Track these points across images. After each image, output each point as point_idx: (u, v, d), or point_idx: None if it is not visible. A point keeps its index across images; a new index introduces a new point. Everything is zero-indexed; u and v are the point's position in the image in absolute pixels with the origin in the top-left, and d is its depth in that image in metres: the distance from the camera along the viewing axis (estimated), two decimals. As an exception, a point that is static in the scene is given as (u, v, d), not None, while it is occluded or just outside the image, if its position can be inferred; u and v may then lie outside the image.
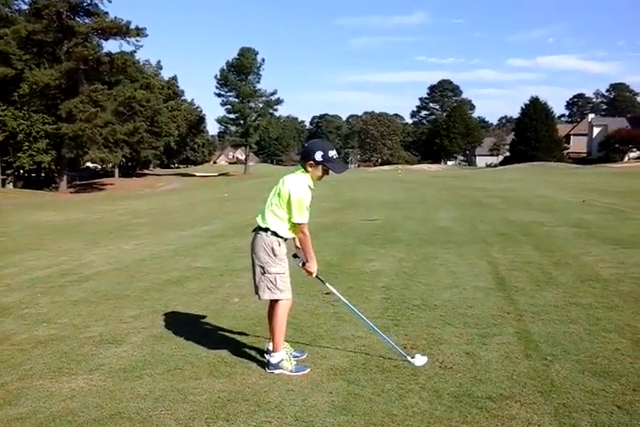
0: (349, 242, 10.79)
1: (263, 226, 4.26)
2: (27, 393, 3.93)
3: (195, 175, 71.89)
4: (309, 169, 4.23)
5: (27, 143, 44.77)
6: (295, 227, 4.23)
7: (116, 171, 66.08)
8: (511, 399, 3.65)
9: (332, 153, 4.23)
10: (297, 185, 4.19)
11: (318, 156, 4.17)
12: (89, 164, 70.80)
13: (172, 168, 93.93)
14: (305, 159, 4.23)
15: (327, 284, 4.60)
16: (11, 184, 48.95)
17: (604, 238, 10.46)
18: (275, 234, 4.23)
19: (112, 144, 50.55)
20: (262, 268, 4.28)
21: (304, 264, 4.40)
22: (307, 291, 6.63)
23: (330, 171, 4.28)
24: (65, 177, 49.60)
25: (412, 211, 16.94)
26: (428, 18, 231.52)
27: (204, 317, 5.76)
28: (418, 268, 8.08)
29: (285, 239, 4.31)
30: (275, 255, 4.25)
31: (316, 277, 4.48)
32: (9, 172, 49.22)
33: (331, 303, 6.12)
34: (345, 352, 4.60)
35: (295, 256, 4.45)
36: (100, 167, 72.77)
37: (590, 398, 3.65)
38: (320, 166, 4.22)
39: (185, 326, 5.48)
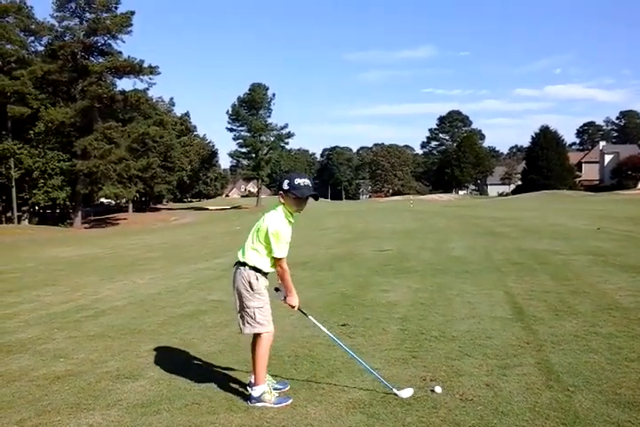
0: (363, 273, 10.75)
1: (242, 260, 4.33)
2: (45, 430, 3.91)
3: (207, 209, 72.38)
4: (282, 201, 4.30)
5: (42, 180, 45.45)
6: (274, 261, 4.28)
7: (130, 206, 66.69)
8: (535, 432, 3.57)
9: (300, 181, 4.27)
10: (275, 220, 4.25)
11: (285, 184, 4.27)
12: (103, 199, 71.62)
13: (184, 202, 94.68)
14: (279, 193, 4.33)
15: (311, 317, 4.66)
16: (26, 220, 49.44)
17: (622, 266, 10.34)
18: (253, 269, 4.28)
19: (126, 180, 51.22)
20: (241, 302, 4.33)
21: (285, 298, 4.42)
22: (322, 323, 6.59)
23: (301, 200, 4.25)
24: (79, 213, 50.11)
25: (425, 241, 16.89)
26: (434, 51, 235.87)
27: (221, 350, 5.73)
28: (434, 298, 8.01)
29: (265, 274, 4.34)
30: (252, 289, 4.28)
31: (299, 309, 4.51)
32: (24, 208, 49.79)
33: (347, 335, 6.08)
34: (364, 385, 4.55)
35: (277, 290, 4.47)
36: (113, 202, 73.52)
37: (616, 429, 3.57)
38: (289, 195, 4.26)
39: (201, 360, 5.46)
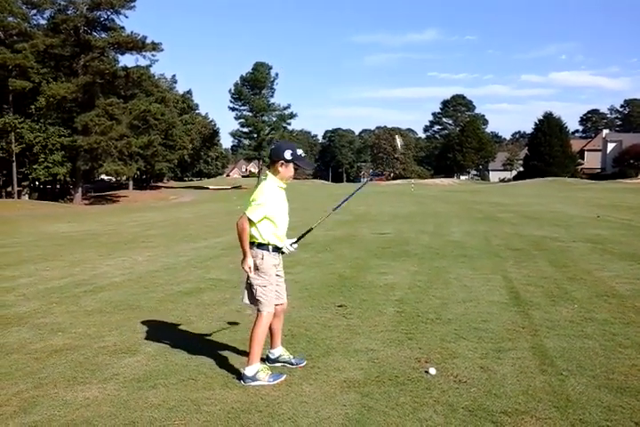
0: (362, 255, 10.78)
1: (251, 240, 4.35)
2: (42, 402, 3.95)
3: (208, 188, 72.27)
4: (280, 169, 4.32)
5: (42, 155, 45.26)
6: (242, 218, 4.25)
7: (131, 183, 66.58)
8: (526, 414, 3.61)
9: (300, 151, 4.36)
10: (262, 187, 4.30)
11: (287, 154, 4.28)
12: (103, 176, 71.43)
13: (185, 181, 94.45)
14: (274, 160, 4.33)
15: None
16: (26, 196, 49.40)
17: (620, 254, 10.37)
18: (259, 246, 4.30)
19: (127, 157, 51.05)
20: (248, 278, 4.38)
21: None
22: (319, 303, 6.64)
23: (297, 170, 4.41)
24: (80, 189, 50.04)
25: (425, 225, 16.91)
26: (440, 35, 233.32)
27: (218, 328, 5.77)
28: (431, 281, 8.05)
29: (276, 249, 4.35)
30: (257, 268, 4.31)
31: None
32: (25, 183, 49.68)
33: (343, 316, 6.12)
34: (359, 365, 4.59)
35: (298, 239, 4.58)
36: (114, 179, 73.37)
37: (607, 414, 3.61)
38: (291, 164, 4.32)
39: (199, 337, 5.49)
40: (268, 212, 4.25)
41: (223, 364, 4.66)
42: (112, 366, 4.67)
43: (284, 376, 4.32)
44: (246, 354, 4.76)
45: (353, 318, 6.02)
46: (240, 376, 4.31)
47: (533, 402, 3.80)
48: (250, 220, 4.23)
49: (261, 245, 4.30)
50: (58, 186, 55.92)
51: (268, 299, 4.33)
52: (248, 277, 4.36)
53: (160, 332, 5.67)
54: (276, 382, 4.22)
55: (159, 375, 4.41)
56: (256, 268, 4.30)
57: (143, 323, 6.03)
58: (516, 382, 4.15)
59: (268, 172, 4.41)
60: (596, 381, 4.16)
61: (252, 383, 4.21)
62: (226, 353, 4.92)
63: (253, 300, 4.37)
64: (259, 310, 4.34)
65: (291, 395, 4.01)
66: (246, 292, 4.43)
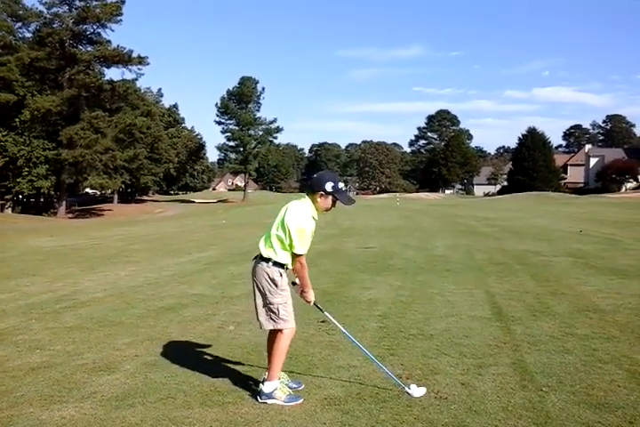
0: (346, 270, 10.77)
1: (265, 255, 4.25)
2: (17, 421, 3.87)
3: (194, 202, 72.09)
4: (319, 200, 4.24)
5: (26, 169, 44.97)
6: (294, 256, 4.23)
7: (115, 197, 66.25)
8: (506, 431, 3.61)
9: (341, 185, 4.30)
10: (300, 215, 4.19)
11: (329, 186, 4.21)
12: (88, 189, 71.02)
13: (171, 194, 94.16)
14: (315, 190, 4.24)
15: (326, 312, 4.59)
16: (9, 209, 48.94)
17: (602, 268, 10.45)
18: (276, 264, 4.21)
19: (112, 170, 50.89)
20: (264, 298, 4.26)
21: (302, 292, 4.41)
22: (302, 319, 6.58)
23: (338, 202, 4.31)
24: (64, 202, 49.71)
25: (409, 239, 16.95)
26: (426, 50, 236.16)
27: (199, 345, 5.72)
28: (414, 296, 8.05)
29: (287, 268, 4.30)
30: (276, 286, 4.22)
31: (314, 304, 4.48)
32: (8, 197, 49.25)
33: (326, 332, 6.09)
34: (340, 382, 4.56)
35: (294, 284, 4.45)
36: (99, 193, 72.99)
37: (586, 430, 3.61)
38: (330, 197, 4.24)
39: (179, 354, 5.44)
40: None
41: (203, 382, 4.60)
42: (90, 384, 4.60)
43: (301, 400, 4.17)
44: (226, 371, 4.74)
45: (335, 334, 5.99)
46: (257, 393, 4.22)
47: (513, 419, 3.80)
48: (279, 239, 4.19)
49: (278, 264, 4.22)
50: (42, 199, 55.50)
51: (290, 315, 4.25)
52: (264, 298, 4.25)
53: (140, 349, 5.61)
54: (291, 404, 4.09)
55: (137, 394, 4.35)
56: (275, 284, 4.21)
57: (123, 340, 5.96)
58: (497, 399, 4.14)
59: (307, 198, 4.28)
60: (576, 397, 4.16)
61: (269, 401, 4.12)
62: (206, 371, 4.86)
63: (274, 320, 4.23)
64: (279, 330, 4.24)
65: (270, 413, 3.98)
66: (265, 316, 4.26)
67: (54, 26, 47.98)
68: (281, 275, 4.23)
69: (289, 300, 4.27)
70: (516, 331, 6.04)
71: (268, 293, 4.23)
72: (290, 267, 4.29)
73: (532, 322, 6.42)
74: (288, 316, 4.24)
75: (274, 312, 4.22)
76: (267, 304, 4.25)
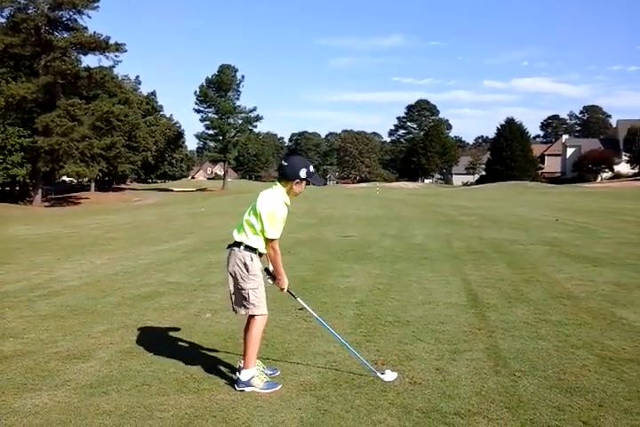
0: (325, 258, 10.79)
1: (237, 240, 4.26)
2: (-12, 410, 3.83)
3: (172, 190, 71.52)
4: (294, 187, 4.27)
5: (1, 156, 44.13)
6: (267, 242, 4.23)
7: (92, 185, 65.41)
8: (479, 415, 3.66)
9: (312, 168, 4.35)
10: (272, 200, 4.22)
11: (303, 173, 4.25)
12: (65, 177, 70.01)
13: (149, 183, 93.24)
14: (290, 178, 4.25)
15: (299, 299, 4.60)
16: (-17, 198, 48.11)
17: (576, 256, 10.60)
18: (248, 248, 4.22)
19: (89, 158, 50.07)
20: (236, 283, 4.27)
21: (274, 279, 4.41)
22: (279, 306, 6.59)
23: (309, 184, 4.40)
24: (40, 191, 48.94)
25: (388, 228, 17.02)
26: (405, 40, 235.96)
27: (175, 332, 5.69)
28: (392, 284, 8.10)
29: (260, 254, 4.30)
30: (247, 271, 4.22)
31: (288, 291, 4.48)
32: (-18, 185, 48.46)
33: (303, 319, 6.10)
34: (316, 368, 4.58)
35: (267, 270, 4.44)
36: (75, 181, 71.99)
37: (557, 414, 3.67)
38: (304, 182, 4.31)
39: (155, 341, 5.41)
40: None
41: (178, 369, 4.59)
42: (64, 372, 4.56)
43: (279, 386, 4.18)
44: (202, 358, 4.72)
45: (312, 321, 5.98)
46: (234, 381, 4.21)
47: (486, 403, 3.85)
48: (250, 225, 4.21)
49: (249, 248, 4.22)
50: (17, 188, 54.53)
51: (261, 301, 4.24)
52: (236, 283, 4.26)
53: (115, 336, 5.57)
54: (269, 391, 4.10)
55: (112, 381, 4.32)
56: (246, 269, 4.21)
57: (98, 328, 5.92)
58: (470, 384, 4.19)
59: (278, 185, 4.28)
60: (548, 381, 4.23)
61: (246, 389, 4.12)
62: (182, 358, 4.85)
63: (245, 306, 4.24)
64: (252, 315, 4.25)
65: (246, 399, 3.98)
66: (237, 302, 4.29)
67: (29, 11, 46.89)
68: (252, 259, 4.23)
69: (260, 286, 4.27)
70: (491, 317, 6.12)
71: (239, 278, 4.24)
72: (263, 252, 4.29)
73: (506, 309, 6.50)
74: (259, 301, 4.24)
75: (244, 297, 4.23)
76: (238, 290, 4.27)
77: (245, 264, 4.22)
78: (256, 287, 4.24)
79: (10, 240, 16.15)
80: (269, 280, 4.42)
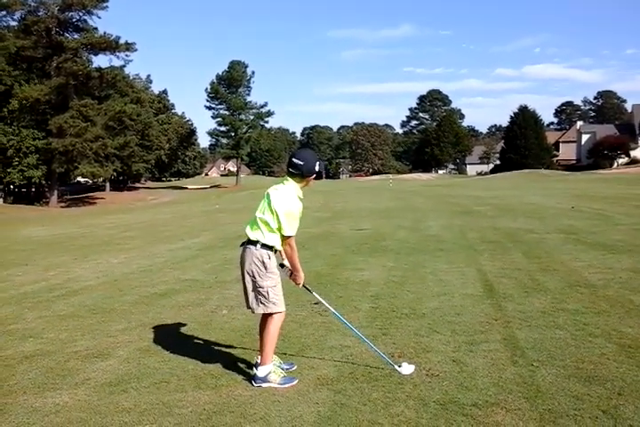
0: (339, 252, 10.79)
1: (253, 238, 4.24)
2: (10, 409, 3.89)
3: (186, 188, 71.91)
4: (308, 181, 4.32)
5: (17, 158, 44.65)
6: (283, 238, 4.23)
7: (107, 185, 65.96)
8: (497, 406, 3.64)
9: (319, 161, 4.37)
10: (287, 198, 4.20)
11: (317, 167, 4.29)
12: (80, 178, 70.68)
13: (163, 181, 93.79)
14: (307, 175, 4.26)
15: (315, 293, 4.60)
16: (1, 199, 48.69)
17: (593, 244, 10.50)
18: (265, 246, 4.20)
19: (103, 158, 50.52)
20: (254, 282, 4.24)
21: (292, 274, 4.42)
22: (295, 301, 6.61)
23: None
24: (55, 192, 49.47)
25: (403, 220, 16.97)
26: (415, 30, 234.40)
27: (192, 329, 5.74)
28: (407, 276, 8.08)
29: (276, 251, 4.30)
30: (265, 269, 4.20)
31: (304, 286, 4.49)
32: (-1, 187, 49.04)
33: (319, 313, 6.11)
34: (332, 362, 4.59)
35: (282, 266, 4.45)
36: (90, 181, 72.63)
37: (575, 403, 3.65)
38: (315, 175, 4.34)
39: (172, 339, 5.46)
40: None
41: (196, 366, 4.63)
42: (83, 370, 4.62)
43: (296, 381, 4.19)
44: (219, 354, 4.75)
45: (328, 316, 6.00)
46: (252, 377, 4.23)
47: (504, 394, 3.83)
48: (265, 223, 4.20)
49: (266, 246, 4.21)
50: (33, 189, 55.19)
51: (280, 298, 4.24)
52: (253, 281, 4.23)
53: (133, 335, 5.63)
54: (286, 386, 4.12)
55: (131, 379, 4.37)
56: (264, 267, 4.20)
57: (116, 326, 5.98)
58: (487, 375, 4.18)
59: (290, 180, 4.26)
60: (566, 371, 4.20)
61: (264, 384, 4.14)
62: (199, 355, 4.88)
63: (264, 304, 4.22)
64: (270, 314, 4.23)
65: (264, 394, 4.00)
66: (255, 301, 4.25)
67: (39, 14, 47.29)
68: (270, 257, 4.22)
69: (278, 283, 4.27)
70: (508, 308, 6.08)
71: (257, 276, 4.22)
72: (279, 248, 4.29)
73: (523, 298, 6.46)
74: (278, 299, 4.23)
75: (264, 296, 4.21)
76: (256, 288, 4.24)
77: (263, 262, 4.20)
78: (274, 285, 4.23)
79: (27, 242, 16.34)
80: (287, 274, 4.43)
